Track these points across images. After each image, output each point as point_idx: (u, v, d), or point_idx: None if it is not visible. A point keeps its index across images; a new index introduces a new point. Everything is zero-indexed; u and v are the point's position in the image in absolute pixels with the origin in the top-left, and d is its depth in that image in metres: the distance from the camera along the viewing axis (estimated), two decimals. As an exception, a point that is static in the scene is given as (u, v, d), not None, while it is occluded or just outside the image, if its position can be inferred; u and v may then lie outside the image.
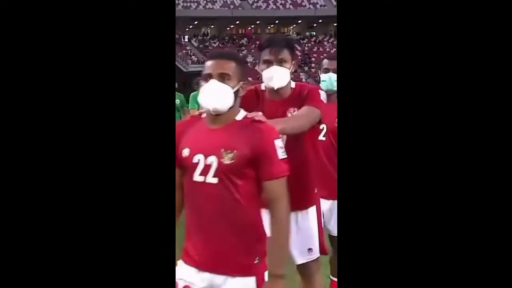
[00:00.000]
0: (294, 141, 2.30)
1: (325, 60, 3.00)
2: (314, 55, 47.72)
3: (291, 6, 49.33)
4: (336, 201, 2.66)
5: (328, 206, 2.88)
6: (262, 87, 2.49)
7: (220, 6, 47.10)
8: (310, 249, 2.47)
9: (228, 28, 49.71)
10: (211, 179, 1.81)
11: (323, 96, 2.42)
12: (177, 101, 6.83)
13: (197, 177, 1.82)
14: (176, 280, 1.81)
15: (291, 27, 52.27)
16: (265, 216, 1.88)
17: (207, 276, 1.84)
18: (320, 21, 49.51)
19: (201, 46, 46.34)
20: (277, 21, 49.61)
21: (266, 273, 1.84)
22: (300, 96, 2.41)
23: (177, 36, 44.76)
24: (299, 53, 46.02)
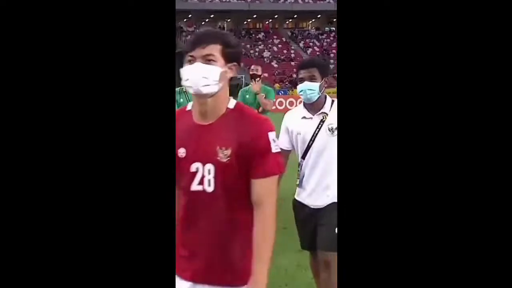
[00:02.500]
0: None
1: (300, 70, 2.98)
2: (333, 51, 46.29)
3: (310, 0, 47.93)
4: None
5: None
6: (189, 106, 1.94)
7: (236, 0, 45.89)
8: None
9: (245, 22, 48.78)
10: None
11: (272, 137, 1.79)
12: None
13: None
14: None
15: (310, 21, 50.97)
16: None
17: None
18: (340, 16, 48.00)
19: (216, 40, 45.21)
20: (295, 16, 48.46)
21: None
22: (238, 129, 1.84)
23: (191, 29, 43.77)
24: (317, 49, 44.65)
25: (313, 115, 2.93)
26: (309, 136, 2.92)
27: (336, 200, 2.69)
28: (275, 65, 42.02)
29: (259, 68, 6.11)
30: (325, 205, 2.91)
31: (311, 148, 2.92)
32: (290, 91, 32.07)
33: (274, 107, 6.12)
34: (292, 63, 40.21)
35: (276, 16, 48.27)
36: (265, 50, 44.71)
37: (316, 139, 2.90)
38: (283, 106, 23.69)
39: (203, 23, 46.62)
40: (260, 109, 5.72)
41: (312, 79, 2.89)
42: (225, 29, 47.79)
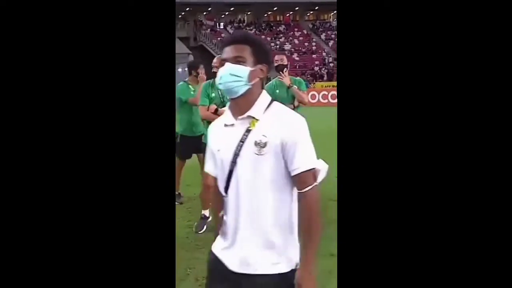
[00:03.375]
0: None
1: (225, 47, 1.88)
2: (355, 43, 45.48)
3: (331, -8, 47.15)
4: None
5: None
6: None
7: (257, -8, 45.40)
8: None
9: (265, 15, 48.18)
10: None
11: None
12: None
13: None
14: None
15: (332, 13, 50.18)
16: None
17: None
18: (362, 7, 47.12)
19: (237, 33, 44.80)
20: (316, 8, 47.68)
21: None
22: None
23: (211, 23, 43.51)
24: (339, 41, 43.92)
25: (236, 120, 1.84)
26: (229, 154, 1.81)
27: (285, 270, 1.77)
28: (296, 58, 41.53)
29: (284, 58, 5.32)
30: (264, 272, 1.78)
31: (233, 175, 1.80)
32: (312, 84, 31.61)
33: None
34: (314, 55, 39.68)
35: (297, 8, 47.63)
36: (286, 43, 44.21)
37: (239, 160, 1.78)
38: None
39: (223, 16, 46.30)
40: (296, 103, 5.06)
41: (239, 61, 1.81)
42: (245, 22, 47.42)
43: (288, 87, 5.04)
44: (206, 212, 5.01)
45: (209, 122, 4.68)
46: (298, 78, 5.49)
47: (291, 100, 5.07)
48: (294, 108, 5.01)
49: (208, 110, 4.65)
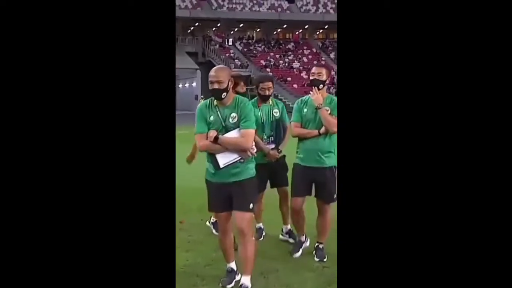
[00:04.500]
0: None
1: None
2: (365, 62, 45.16)
3: (342, 11, 46.95)
4: None
5: None
6: None
7: (267, 9, 45.43)
8: None
9: (274, 32, 48.15)
10: None
11: None
12: (276, 111, 4.44)
13: None
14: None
15: (341, 32, 50.03)
16: None
17: None
18: (372, 26, 46.94)
19: (245, 50, 44.71)
20: (326, 26, 47.58)
21: None
22: None
23: (220, 39, 43.40)
24: (348, 60, 43.57)
25: None
26: None
27: None
28: (305, 76, 41.27)
29: (323, 71, 4.14)
30: None
31: None
32: (320, 102, 31.18)
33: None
34: (322, 74, 39.34)
35: (306, 27, 47.59)
36: (295, 61, 44.01)
37: None
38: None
39: (232, 32, 46.25)
40: (322, 129, 3.99)
41: None
42: (254, 38, 47.32)
43: (317, 108, 4.02)
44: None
45: (210, 155, 3.47)
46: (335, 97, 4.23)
47: (318, 125, 4.06)
48: (320, 135, 4.04)
49: (207, 138, 3.46)
